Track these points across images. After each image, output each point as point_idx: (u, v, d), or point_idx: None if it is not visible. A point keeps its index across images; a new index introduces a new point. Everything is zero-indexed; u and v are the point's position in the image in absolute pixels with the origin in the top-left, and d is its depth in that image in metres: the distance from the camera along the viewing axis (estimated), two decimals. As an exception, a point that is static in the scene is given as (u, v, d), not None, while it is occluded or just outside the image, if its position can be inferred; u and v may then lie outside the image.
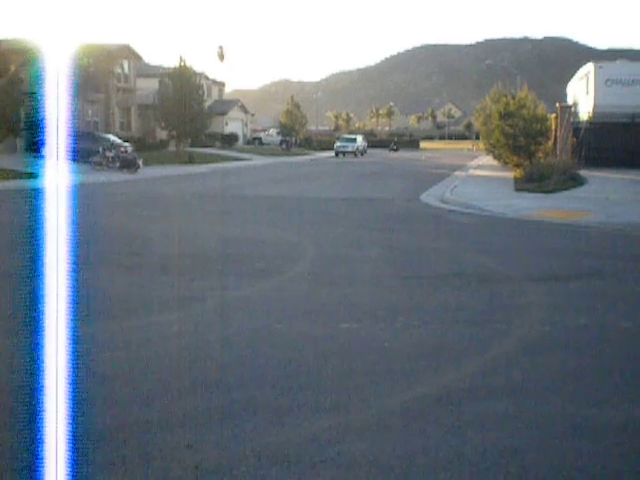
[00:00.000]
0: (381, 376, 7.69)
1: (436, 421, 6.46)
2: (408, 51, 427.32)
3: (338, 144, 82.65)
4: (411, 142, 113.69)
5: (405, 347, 8.79)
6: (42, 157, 34.99)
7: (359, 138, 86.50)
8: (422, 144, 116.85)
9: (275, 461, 5.65)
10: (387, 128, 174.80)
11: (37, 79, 38.43)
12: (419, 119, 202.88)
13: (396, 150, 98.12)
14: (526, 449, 5.99)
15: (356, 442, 6.02)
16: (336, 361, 8.18)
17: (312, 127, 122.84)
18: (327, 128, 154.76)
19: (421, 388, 7.34)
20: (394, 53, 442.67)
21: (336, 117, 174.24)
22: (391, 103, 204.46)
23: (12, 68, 39.11)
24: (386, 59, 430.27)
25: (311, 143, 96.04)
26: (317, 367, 7.94)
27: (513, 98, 48.56)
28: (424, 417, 6.57)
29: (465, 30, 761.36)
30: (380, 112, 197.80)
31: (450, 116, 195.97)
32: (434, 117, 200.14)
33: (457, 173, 48.32)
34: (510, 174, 42.37)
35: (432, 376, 7.76)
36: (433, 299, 11.46)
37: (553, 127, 48.32)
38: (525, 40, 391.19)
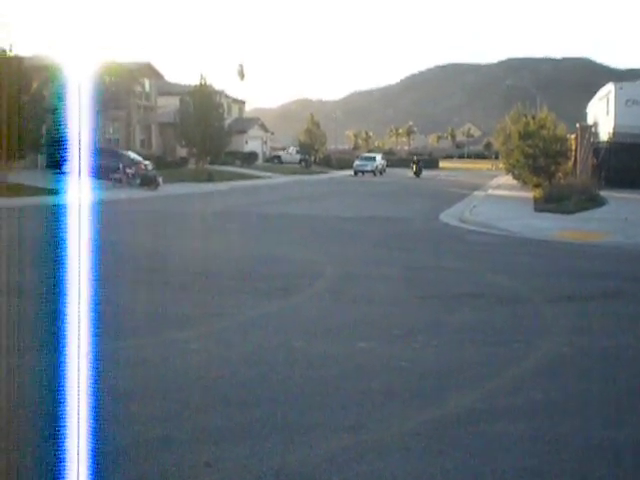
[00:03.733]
0: (399, 396, 7.67)
1: (455, 441, 6.44)
2: (428, 70, 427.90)
3: (357, 163, 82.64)
4: (430, 161, 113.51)
5: (423, 367, 8.77)
6: (63, 174, 35.17)
7: (378, 157, 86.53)
8: (441, 163, 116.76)
9: (293, 480, 5.64)
10: (406, 147, 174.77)
11: (59, 96, 38.73)
12: (438, 138, 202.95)
13: (418, 172, 78.79)
14: (546, 470, 5.96)
15: (374, 462, 6.00)
16: (354, 380, 8.17)
17: (331, 146, 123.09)
18: (346, 147, 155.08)
19: (440, 408, 7.32)
20: (414, 72, 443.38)
21: (355, 136, 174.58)
22: (410, 122, 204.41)
23: (35, 85, 39.42)
24: (406, 78, 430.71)
25: (330, 162, 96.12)
26: (335, 386, 7.93)
27: (533, 118, 48.55)
28: (443, 437, 6.54)
29: (485, 49, 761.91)
30: (399, 131, 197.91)
31: (469, 135, 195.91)
32: (453, 136, 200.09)
33: (476, 193, 48.24)
34: (529, 194, 42.27)
35: (451, 396, 7.73)
36: (451, 319, 11.43)
37: (573, 147, 48.25)
38: (545, 60, 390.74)
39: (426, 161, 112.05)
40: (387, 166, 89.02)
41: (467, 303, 12.65)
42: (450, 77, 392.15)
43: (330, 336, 10.14)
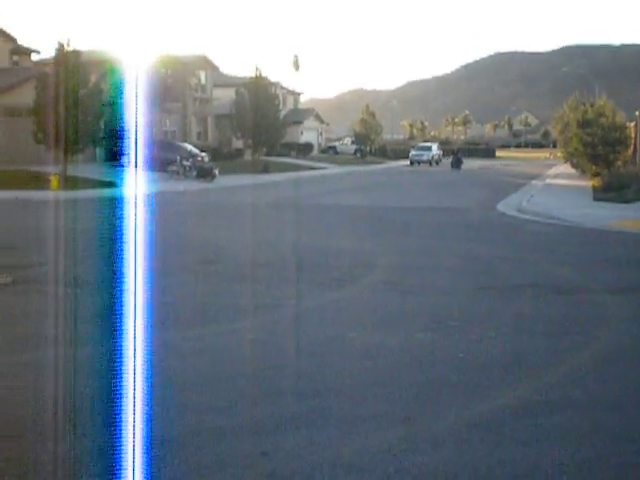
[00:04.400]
0: (456, 387, 7.63)
1: (512, 433, 6.38)
2: (484, 59, 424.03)
3: (413, 153, 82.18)
4: (487, 151, 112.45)
5: (481, 358, 8.71)
6: (121, 166, 35.59)
7: (434, 147, 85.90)
8: (498, 153, 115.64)
9: (350, 470, 5.64)
10: (463, 137, 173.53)
11: (117, 90, 39.15)
12: (495, 127, 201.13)
13: (456, 164, 69.31)
14: (604, 462, 5.88)
15: (431, 453, 5.98)
16: (411, 371, 8.14)
17: (387, 136, 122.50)
18: (402, 137, 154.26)
19: (497, 400, 7.26)
20: (470, 61, 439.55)
21: (411, 126, 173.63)
22: (467, 111, 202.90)
23: (92, 79, 39.87)
24: (462, 67, 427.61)
25: (386, 152, 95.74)
26: (391, 377, 7.91)
27: (591, 106, 47.84)
28: (500, 429, 6.49)
29: (542, 37, 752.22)
30: (455, 120, 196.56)
31: (527, 124, 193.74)
32: (510, 125, 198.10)
33: (534, 182, 47.72)
34: (588, 183, 41.72)
35: (508, 388, 7.66)
36: (509, 310, 11.33)
37: (632, 135, 47.45)
38: (602, 47, 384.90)
39: (482, 150, 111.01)
40: (443, 156, 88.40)
41: (525, 294, 12.52)
42: (507, 65, 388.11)
43: (386, 327, 10.11)
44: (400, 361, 8.53)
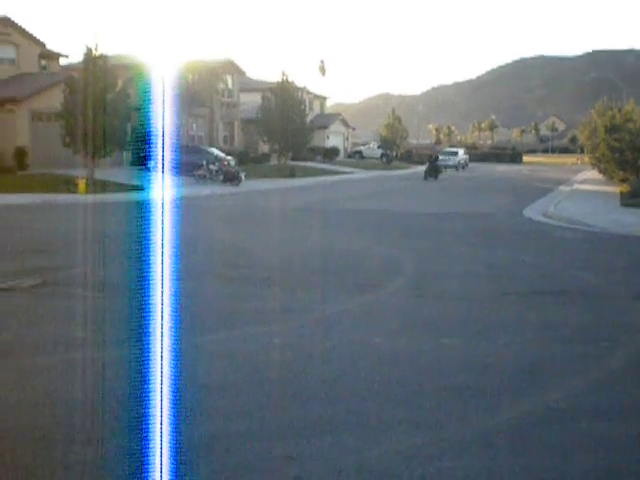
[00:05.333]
0: (482, 393, 7.61)
1: (538, 440, 6.36)
2: (511, 63, 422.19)
3: (439, 157, 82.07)
4: (514, 155, 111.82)
5: (507, 364, 8.68)
6: (148, 170, 35.72)
7: (460, 152, 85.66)
8: (525, 158, 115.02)
9: (375, 476, 5.65)
10: (489, 141, 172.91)
11: (144, 94, 39.26)
12: (522, 132, 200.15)
13: (431, 173, 57.27)
14: (632, 471, 5.85)
15: (456, 459, 5.97)
16: (437, 377, 8.14)
17: (413, 140, 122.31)
18: (428, 141, 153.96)
19: (523, 406, 7.24)
20: (497, 65, 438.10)
21: (437, 130, 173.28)
22: (493, 116, 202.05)
23: (120, 83, 40.12)
24: (489, 71, 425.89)
25: (412, 157, 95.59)
26: (417, 382, 7.91)
27: (619, 111, 47.54)
28: (526, 435, 6.47)
29: (569, 42, 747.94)
30: (482, 125, 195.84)
31: (553, 129, 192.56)
32: (537, 130, 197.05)
33: (561, 187, 47.48)
34: (616, 189, 41.43)
35: (535, 394, 7.64)
36: (535, 316, 11.28)
37: (661, 141, 47.05)
38: (630, 52, 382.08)
39: (509, 155, 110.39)
40: (469, 161, 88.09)
41: (551, 300, 12.47)
42: (534, 69, 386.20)
43: (411, 332, 10.11)
44: (425, 366, 8.52)
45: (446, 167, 78.50)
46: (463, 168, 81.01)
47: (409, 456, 6.01)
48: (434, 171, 58.01)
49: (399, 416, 6.85)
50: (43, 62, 54.49)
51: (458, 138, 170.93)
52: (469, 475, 5.71)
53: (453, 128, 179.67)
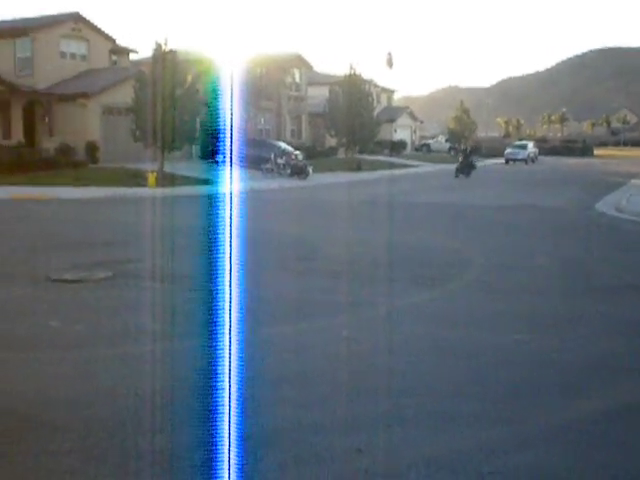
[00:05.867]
0: (552, 388, 7.52)
1: (610, 436, 6.27)
2: (582, 55, 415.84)
3: (508, 151, 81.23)
4: (584, 149, 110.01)
5: (577, 360, 8.56)
6: (216, 164, 35.89)
7: (530, 145, 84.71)
8: (596, 151, 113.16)
9: (443, 469, 5.62)
10: (559, 135, 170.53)
11: (212, 89, 39.68)
12: (593, 125, 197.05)
13: (463, 170, 48.63)
14: None
15: (524, 454, 5.92)
16: (505, 372, 8.06)
17: (482, 134, 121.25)
18: (496, 135, 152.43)
19: (593, 402, 7.14)
20: (567, 57, 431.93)
21: (506, 123, 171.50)
22: (563, 109, 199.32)
23: (189, 78, 40.53)
24: (559, 63, 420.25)
25: (480, 150, 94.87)
26: (486, 377, 7.85)
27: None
28: (597, 431, 6.38)
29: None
30: (552, 118, 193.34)
31: (625, 122, 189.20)
32: (608, 123, 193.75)
33: (634, 181, 46.56)
34: (690, 182, 40.50)
35: (605, 390, 7.52)
36: (606, 311, 11.10)
37: None
38: None
39: (580, 148, 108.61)
40: (539, 154, 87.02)
41: (623, 295, 12.26)
42: (605, 61, 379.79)
43: (480, 327, 10.03)
44: (495, 361, 8.45)
45: (515, 160, 77.77)
46: (533, 161, 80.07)
47: (478, 450, 5.97)
48: (467, 167, 48.76)
49: (469, 410, 6.80)
50: (114, 57, 55.33)
51: (527, 131, 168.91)
52: (538, 470, 5.65)
53: (522, 121, 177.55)
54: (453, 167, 50.84)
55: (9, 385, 7.47)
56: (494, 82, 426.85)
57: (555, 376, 7.92)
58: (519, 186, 42.42)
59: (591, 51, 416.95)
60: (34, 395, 7.15)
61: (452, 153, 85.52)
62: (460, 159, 49.33)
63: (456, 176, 47.01)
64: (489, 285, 13.05)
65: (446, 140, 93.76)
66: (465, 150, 51.15)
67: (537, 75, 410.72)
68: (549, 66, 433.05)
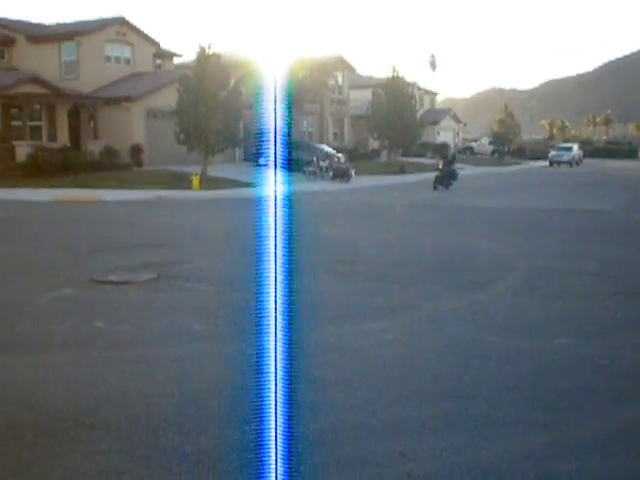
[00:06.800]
0: (598, 395, 7.44)
1: (657, 444, 6.18)
2: (628, 56, 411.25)
3: (553, 153, 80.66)
4: (630, 151, 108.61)
5: (622, 365, 8.46)
6: (259, 166, 36.02)
7: (575, 147, 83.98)
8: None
9: (488, 475, 5.59)
10: (604, 137, 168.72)
11: (255, 91, 39.67)
12: (638, 127, 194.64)
13: (442, 180, 39.57)
14: None
15: (571, 461, 5.86)
16: (550, 377, 7.99)
17: (525, 136, 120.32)
18: (541, 137, 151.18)
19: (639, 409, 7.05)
20: (612, 58, 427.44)
21: (550, 125, 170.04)
22: (608, 110, 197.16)
23: (232, 81, 40.76)
24: (604, 64, 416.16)
25: (524, 152, 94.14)
26: (531, 382, 7.78)
27: None
28: (644, 439, 6.29)
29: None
30: (597, 120, 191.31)
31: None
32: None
33: (680, 184, 45.99)
34: None
35: (653, 397, 7.42)
36: (655, 316, 10.95)
37: None
38: None
39: (625, 151, 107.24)
40: (584, 156, 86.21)
41: (671, 300, 12.08)
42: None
43: (525, 331, 9.95)
44: (539, 366, 8.37)
45: (559, 163, 77.12)
46: (577, 164, 79.39)
47: (523, 456, 5.92)
48: (447, 178, 39.82)
49: (513, 415, 6.76)
50: (158, 61, 55.81)
51: (572, 133, 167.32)
52: (585, 477, 5.59)
53: (567, 123, 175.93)
54: (496, 170, 50.40)
55: (56, 385, 7.56)
56: (537, 84, 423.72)
57: (599, 382, 7.84)
58: (563, 189, 42.04)
59: (633, 53, 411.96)
60: (80, 395, 7.23)
61: (495, 156, 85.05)
62: (439, 166, 40.31)
63: (434, 188, 38.57)
64: (533, 289, 12.93)
65: (489, 143, 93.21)
66: (446, 156, 42.33)
67: (580, 77, 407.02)
68: (592, 68, 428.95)
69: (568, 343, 9.29)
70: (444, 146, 79.74)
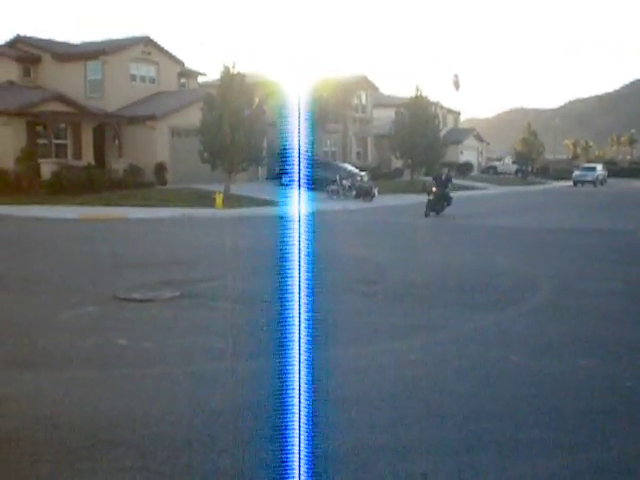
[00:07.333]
0: (623, 417, 7.37)
1: (683, 467, 6.10)
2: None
3: (576, 173, 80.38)
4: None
5: (649, 387, 8.37)
6: (282, 185, 36.01)
7: (599, 167, 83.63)
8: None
9: (511, 497, 5.53)
10: (628, 157, 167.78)
11: (279, 111, 39.93)
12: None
13: (434, 205, 34.24)
14: None
15: (596, 483, 5.79)
16: (575, 399, 7.92)
17: (549, 156, 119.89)
18: (564, 157, 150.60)
19: (667, 431, 6.96)
20: (636, 78, 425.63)
21: (574, 145, 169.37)
22: (633, 130, 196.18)
23: (256, 101, 40.96)
24: (628, 84, 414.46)
25: (548, 172, 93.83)
26: (555, 404, 7.72)
27: None
28: (670, 462, 6.22)
29: None
30: (621, 140, 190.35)
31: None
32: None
33: None
34: None
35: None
36: (680, 338, 10.84)
37: None
38: None
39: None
40: (608, 176, 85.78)
41: (696, 321, 11.97)
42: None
43: (548, 352, 9.88)
44: (563, 388, 8.30)
45: (583, 183, 76.79)
46: (602, 184, 79.02)
47: (546, 478, 5.86)
48: (440, 202, 34.73)
49: (536, 437, 6.70)
50: (182, 80, 56.19)
51: (596, 153, 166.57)
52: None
53: (590, 143, 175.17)
54: (520, 190, 50.23)
55: (78, 402, 7.58)
56: (561, 103, 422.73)
57: (623, 404, 7.76)
58: (587, 209, 41.84)
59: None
60: (102, 413, 7.24)
61: (519, 175, 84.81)
62: (433, 189, 34.70)
63: (426, 215, 33.75)
64: (556, 309, 12.84)
65: (513, 162, 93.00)
66: (439, 177, 36.05)
67: (603, 97, 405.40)
68: (616, 87, 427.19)
69: (592, 364, 9.21)
70: (468, 165, 79.58)
